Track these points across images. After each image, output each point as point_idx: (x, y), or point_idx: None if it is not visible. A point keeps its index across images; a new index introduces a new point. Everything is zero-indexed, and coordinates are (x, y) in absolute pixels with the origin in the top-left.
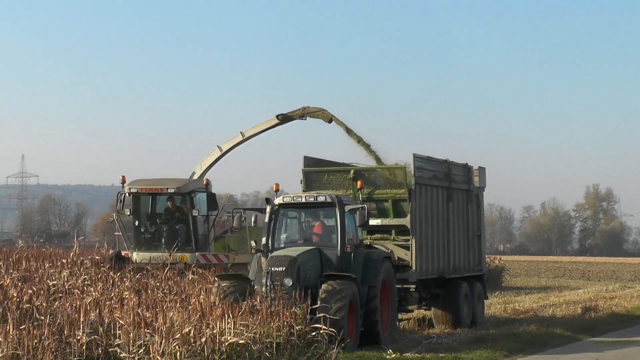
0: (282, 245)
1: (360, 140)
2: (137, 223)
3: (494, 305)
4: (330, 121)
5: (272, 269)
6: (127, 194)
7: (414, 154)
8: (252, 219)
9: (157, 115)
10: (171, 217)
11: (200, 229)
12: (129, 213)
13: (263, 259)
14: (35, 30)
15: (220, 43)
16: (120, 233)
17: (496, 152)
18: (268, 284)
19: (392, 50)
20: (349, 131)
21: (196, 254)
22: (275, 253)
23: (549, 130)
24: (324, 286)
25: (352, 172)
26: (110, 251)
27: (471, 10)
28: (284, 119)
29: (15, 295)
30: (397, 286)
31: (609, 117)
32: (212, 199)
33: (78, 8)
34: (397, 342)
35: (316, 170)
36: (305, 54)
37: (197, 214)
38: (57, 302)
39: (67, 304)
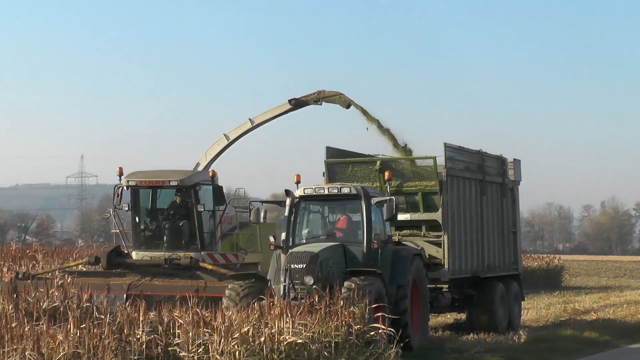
0: (304, 241)
1: (382, 127)
2: (136, 219)
3: (554, 305)
4: (348, 106)
5: (292, 266)
6: (125, 188)
7: (445, 144)
8: (262, 215)
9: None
10: (175, 213)
11: (206, 226)
12: (127, 209)
13: (282, 255)
14: (89, 28)
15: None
16: (118, 230)
17: (556, 151)
18: (287, 282)
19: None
20: (369, 117)
21: (202, 253)
22: (295, 249)
23: (610, 128)
24: (346, 283)
25: (378, 163)
26: (105, 246)
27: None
28: (296, 104)
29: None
30: (428, 286)
31: None
32: (218, 193)
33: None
34: (454, 342)
35: (340, 162)
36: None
37: (202, 209)
38: (117, 301)
39: (127, 303)
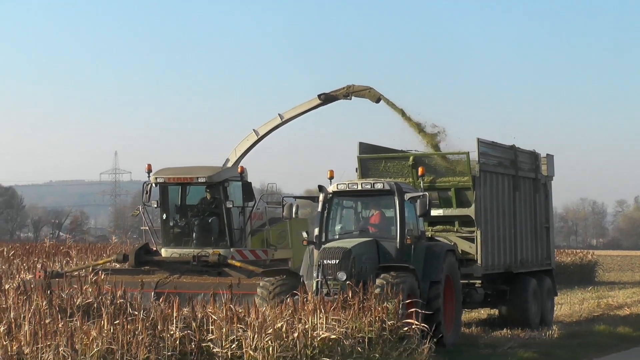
0: (336, 236)
1: (412, 122)
2: (164, 216)
3: (587, 300)
4: (378, 101)
5: (324, 261)
6: (153, 185)
7: (478, 139)
8: (294, 210)
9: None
10: (203, 209)
11: (235, 222)
12: (156, 205)
13: (315, 251)
14: (123, 26)
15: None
16: (147, 227)
17: (589, 146)
18: (320, 277)
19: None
20: (400, 112)
21: (231, 249)
22: (327, 245)
23: None
24: (378, 280)
25: (411, 158)
26: (135, 244)
27: None
28: (326, 99)
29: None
30: (461, 282)
31: None
32: (247, 189)
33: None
34: (487, 337)
35: (373, 157)
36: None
37: (231, 206)
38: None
39: (161, 299)
